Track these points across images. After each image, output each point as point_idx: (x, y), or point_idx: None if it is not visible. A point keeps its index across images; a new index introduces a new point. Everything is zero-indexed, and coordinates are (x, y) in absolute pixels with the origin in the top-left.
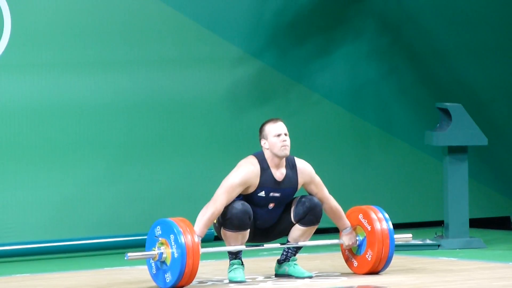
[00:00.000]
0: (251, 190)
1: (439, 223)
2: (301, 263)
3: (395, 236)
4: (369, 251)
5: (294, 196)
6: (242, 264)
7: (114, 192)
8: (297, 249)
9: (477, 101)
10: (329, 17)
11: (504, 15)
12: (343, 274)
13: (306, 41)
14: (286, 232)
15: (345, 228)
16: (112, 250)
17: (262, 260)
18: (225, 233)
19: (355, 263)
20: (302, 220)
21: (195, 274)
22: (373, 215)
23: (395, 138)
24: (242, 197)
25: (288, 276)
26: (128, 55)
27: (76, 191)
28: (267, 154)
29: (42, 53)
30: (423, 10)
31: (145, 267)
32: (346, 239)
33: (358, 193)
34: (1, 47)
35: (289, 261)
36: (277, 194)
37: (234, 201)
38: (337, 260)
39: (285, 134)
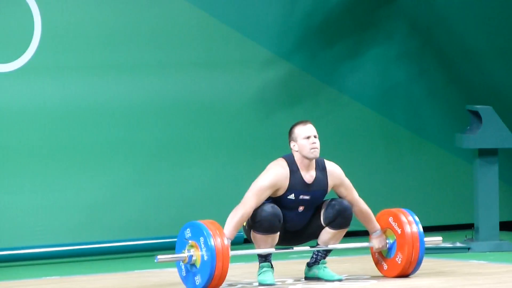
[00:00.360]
0: (281, 192)
1: (469, 226)
2: (331, 266)
3: (425, 239)
4: (399, 254)
5: (324, 199)
6: (272, 267)
7: (145, 195)
8: (327, 252)
9: (507, 103)
10: (359, 19)
11: None
12: (373, 277)
13: (335, 43)
14: (315, 235)
15: (375, 231)
16: (142, 253)
17: (292, 263)
18: (255, 235)
19: (385, 266)
20: (332, 223)
21: (225, 277)
22: (403, 218)
23: (425, 140)
24: (271, 200)
25: (317, 279)
26: (158, 58)
27: (107, 194)
28: (297, 157)
29: (72, 55)
30: (453, 11)
31: (175, 269)
32: (376, 242)
33: (388, 196)
34: (31, 49)
35: (319, 264)
36: (306, 197)
37: (264, 203)
38: (367, 263)
39: (315, 137)
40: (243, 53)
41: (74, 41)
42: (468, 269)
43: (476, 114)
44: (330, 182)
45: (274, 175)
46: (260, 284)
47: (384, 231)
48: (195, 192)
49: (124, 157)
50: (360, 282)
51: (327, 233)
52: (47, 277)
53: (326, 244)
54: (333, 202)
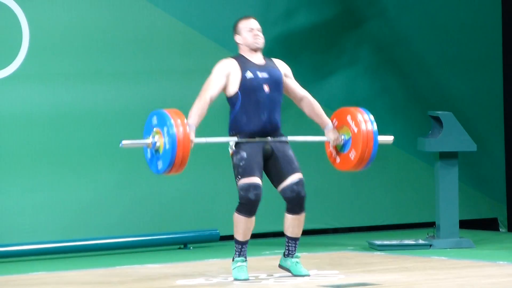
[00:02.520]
0: (238, 76)
1: (431, 224)
2: (301, 261)
3: (380, 137)
4: (353, 150)
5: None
6: (246, 260)
7: (128, 196)
8: (295, 240)
9: (462, 111)
10: (326, 38)
11: (484, 31)
12: (341, 273)
13: (303, 60)
14: (270, 179)
15: (327, 125)
16: (123, 250)
17: (266, 259)
18: (239, 218)
19: (338, 160)
20: (287, 208)
21: (185, 164)
22: (360, 117)
23: (389, 145)
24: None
25: (288, 271)
26: (143, 66)
27: (92, 195)
28: (242, 49)
29: (58, 63)
30: (413, 32)
31: (155, 265)
32: (331, 135)
33: (354, 195)
34: (20, 57)
35: (292, 257)
36: (265, 74)
37: (248, 187)
38: (335, 259)
39: (258, 30)
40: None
41: (61, 48)
42: (430, 264)
43: (437, 120)
44: (281, 68)
45: (221, 62)
46: (235, 279)
47: (341, 127)
48: (177, 193)
49: (109, 159)
50: (329, 277)
51: (287, 221)
52: (34, 273)
53: (291, 233)
54: (294, 187)
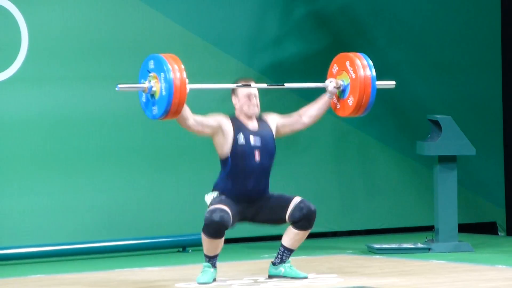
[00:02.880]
0: (230, 136)
1: (429, 228)
2: (299, 265)
3: (378, 82)
4: (351, 96)
5: (287, 197)
6: (214, 267)
7: (125, 198)
8: (291, 252)
9: (461, 115)
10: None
11: (483, 35)
12: (339, 276)
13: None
14: (273, 222)
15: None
16: (122, 253)
17: (264, 262)
18: (202, 237)
19: (338, 106)
20: (296, 224)
21: (181, 111)
22: (358, 62)
23: (388, 147)
24: (224, 197)
25: (283, 277)
26: (139, 69)
27: (90, 199)
28: (237, 112)
29: (57, 66)
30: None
31: (154, 268)
32: (329, 86)
33: (353, 198)
34: (19, 60)
35: (284, 263)
36: (257, 140)
37: (215, 209)
38: (334, 262)
39: (255, 96)
40: (218, 65)
41: (60, 52)
42: (429, 268)
43: (436, 123)
44: (272, 125)
45: (219, 114)
46: (197, 283)
47: (340, 73)
48: (176, 196)
49: (109, 162)
50: (328, 280)
51: (290, 234)
52: (35, 275)
53: (290, 245)
54: (301, 205)
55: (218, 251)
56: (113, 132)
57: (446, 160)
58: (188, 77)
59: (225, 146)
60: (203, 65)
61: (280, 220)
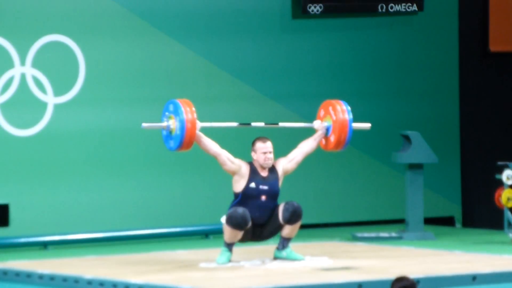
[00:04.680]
0: (244, 181)
1: (401, 221)
2: (297, 249)
3: (354, 124)
4: (333, 135)
5: (278, 198)
6: (230, 251)
7: (160, 196)
8: (289, 240)
9: (427, 131)
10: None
11: (443, 65)
12: (330, 258)
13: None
14: (276, 232)
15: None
16: (157, 239)
17: (271, 247)
18: (225, 226)
19: (324, 142)
20: (289, 221)
21: (192, 144)
22: (338, 108)
23: (369, 157)
24: (243, 204)
25: (285, 259)
26: (171, 93)
27: (131, 196)
28: (255, 162)
29: (109, 90)
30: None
31: (183, 251)
32: (316, 124)
33: (339, 198)
34: (77, 86)
35: (286, 248)
36: (265, 187)
37: (239, 207)
38: (325, 247)
39: (270, 152)
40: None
41: (112, 78)
42: (401, 253)
43: (407, 138)
44: (279, 171)
45: (240, 160)
46: (217, 263)
47: (325, 116)
48: (201, 193)
49: (147, 167)
50: (320, 262)
51: (287, 228)
52: (86, 256)
53: (287, 235)
54: (287, 206)
55: (236, 240)
56: (152, 142)
57: (414, 167)
58: (211, 100)
59: (239, 184)
60: (223, 91)
61: (279, 227)
